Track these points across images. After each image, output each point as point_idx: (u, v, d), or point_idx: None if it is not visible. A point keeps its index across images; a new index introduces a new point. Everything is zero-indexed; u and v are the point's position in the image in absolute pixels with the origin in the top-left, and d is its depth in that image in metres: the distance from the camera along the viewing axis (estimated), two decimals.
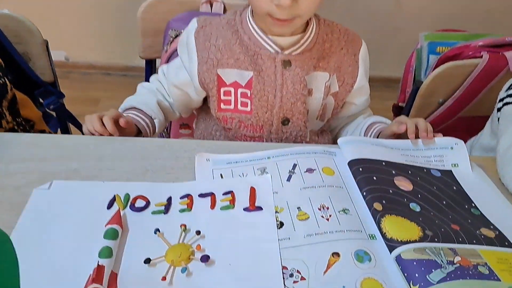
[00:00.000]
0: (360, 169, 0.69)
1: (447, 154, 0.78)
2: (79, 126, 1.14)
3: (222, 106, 0.87)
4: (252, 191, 0.66)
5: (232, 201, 0.64)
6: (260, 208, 0.63)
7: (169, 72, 0.92)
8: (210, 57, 0.83)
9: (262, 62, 0.81)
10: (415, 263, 0.54)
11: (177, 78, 0.90)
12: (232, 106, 0.86)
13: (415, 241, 0.57)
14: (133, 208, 0.63)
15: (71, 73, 2.47)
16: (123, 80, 2.47)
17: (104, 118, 0.77)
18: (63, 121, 1.18)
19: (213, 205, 0.64)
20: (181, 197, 0.65)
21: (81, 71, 2.48)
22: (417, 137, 0.79)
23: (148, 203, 0.64)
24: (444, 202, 0.68)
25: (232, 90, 0.85)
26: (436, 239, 0.58)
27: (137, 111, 0.88)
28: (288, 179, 0.69)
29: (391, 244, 0.57)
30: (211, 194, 0.65)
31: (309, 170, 0.70)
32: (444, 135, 0.80)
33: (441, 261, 0.54)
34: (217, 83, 0.84)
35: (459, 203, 0.68)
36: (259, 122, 0.86)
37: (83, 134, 0.80)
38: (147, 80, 1.30)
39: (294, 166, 0.71)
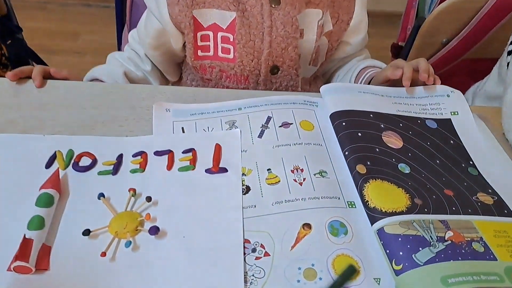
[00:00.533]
0: (344, 123, 0.60)
1: (445, 101, 0.68)
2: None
3: (200, 53, 0.75)
4: (217, 149, 0.57)
5: (193, 161, 0.56)
6: (224, 170, 0.55)
7: (140, 32, 0.79)
8: None
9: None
10: (400, 239, 0.46)
11: (148, 33, 0.76)
12: (211, 53, 0.75)
13: (401, 213, 0.49)
14: (76, 167, 0.54)
15: (48, 4, 2.28)
16: (105, 12, 2.29)
17: (37, 66, 0.67)
18: (24, 60, 1.06)
19: (170, 166, 0.55)
20: (134, 155, 0.56)
21: (59, 2, 2.30)
22: (413, 84, 0.68)
23: (94, 161, 0.55)
24: (438, 161, 0.59)
25: (211, 34, 0.73)
26: (425, 209, 0.50)
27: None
28: (260, 135, 0.59)
29: (374, 215, 0.49)
30: (169, 152, 0.57)
31: (285, 124, 0.61)
32: (444, 80, 0.70)
33: (430, 237, 0.46)
34: (193, 27, 0.72)
35: (455, 161, 0.60)
36: (244, 71, 0.75)
37: None
38: (118, 14, 1.17)
39: (268, 119, 0.62)
